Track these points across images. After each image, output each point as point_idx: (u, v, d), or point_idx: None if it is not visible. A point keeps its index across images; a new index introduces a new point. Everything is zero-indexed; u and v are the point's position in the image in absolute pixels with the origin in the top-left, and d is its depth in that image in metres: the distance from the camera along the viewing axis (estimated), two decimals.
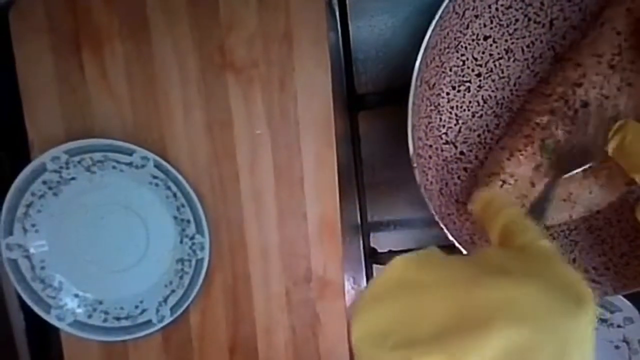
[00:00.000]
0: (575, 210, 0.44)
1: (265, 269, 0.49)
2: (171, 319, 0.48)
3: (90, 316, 0.49)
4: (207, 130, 0.47)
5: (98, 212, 0.48)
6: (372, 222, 0.55)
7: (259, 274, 0.49)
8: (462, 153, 0.46)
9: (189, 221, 0.47)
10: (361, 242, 0.52)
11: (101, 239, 0.48)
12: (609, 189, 0.43)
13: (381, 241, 0.54)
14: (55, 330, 0.49)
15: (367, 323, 0.24)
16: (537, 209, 0.37)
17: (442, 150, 0.45)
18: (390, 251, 0.51)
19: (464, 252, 0.41)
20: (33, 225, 0.47)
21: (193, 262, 0.48)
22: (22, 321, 0.50)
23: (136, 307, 0.49)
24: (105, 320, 0.49)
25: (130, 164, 0.46)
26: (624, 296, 0.47)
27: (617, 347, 0.49)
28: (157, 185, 0.47)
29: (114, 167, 0.46)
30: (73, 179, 0.46)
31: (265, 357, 0.50)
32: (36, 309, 0.47)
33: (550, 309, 0.21)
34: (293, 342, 0.50)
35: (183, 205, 0.47)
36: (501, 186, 0.42)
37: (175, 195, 0.47)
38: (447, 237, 0.44)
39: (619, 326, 0.48)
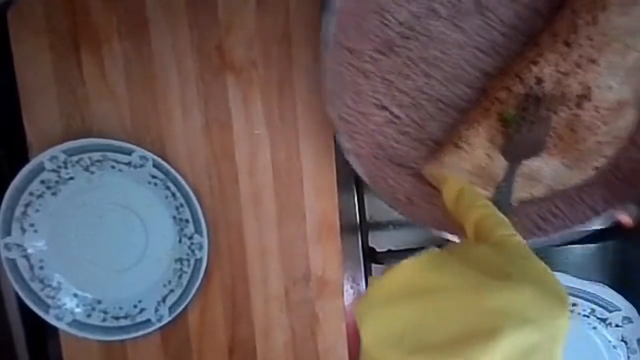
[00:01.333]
0: (537, 189, 0.44)
1: (264, 268, 0.49)
2: (170, 318, 0.48)
3: (89, 316, 0.49)
4: (206, 130, 0.47)
5: (97, 211, 0.48)
6: (371, 221, 0.55)
7: (258, 273, 0.49)
8: (396, 116, 0.45)
9: (187, 221, 0.47)
10: (360, 241, 0.52)
11: (100, 239, 0.48)
12: (576, 170, 0.43)
13: (380, 241, 0.54)
14: (54, 329, 0.49)
15: (380, 326, 0.24)
16: (502, 198, 0.38)
17: (374, 116, 0.45)
18: (389, 251, 0.51)
19: (402, 212, 0.41)
20: (31, 225, 0.47)
21: (192, 262, 0.48)
22: (20, 321, 0.50)
23: (135, 306, 0.49)
24: (104, 320, 0.49)
25: (129, 164, 0.46)
26: (624, 296, 0.47)
27: (615, 346, 0.50)
28: (156, 185, 0.47)
29: (112, 167, 0.46)
30: (71, 178, 0.46)
31: (264, 356, 0.50)
32: (35, 309, 0.47)
33: (543, 310, 0.23)
34: (292, 342, 0.50)
35: (182, 205, 0.47)
36: (456, 153, 0.43)
37: (174, 195, 0.47)
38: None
39: (617, 326, 0.48)
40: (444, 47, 0.44)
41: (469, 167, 0.43)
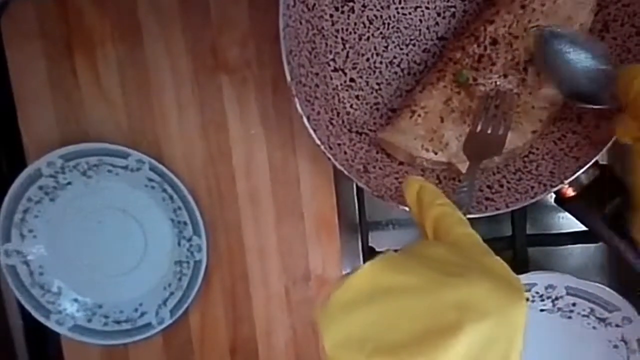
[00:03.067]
0: (505, 129, 0.44)
1: (263, 269, 0.49)
2: (171, 321, 0.48)
3: (90, 320, 0.49)
4: (201, 132, 0.47)
5: (95, 216, 0.48)
6: (370, 221, 0.55)
7: (258, 274, 0.49)
8: (352, 80, 0.45)
9: (185, 223, 0.47)
10: (360, 241, 0.51)
11: (99, 243, 0.48)
12: (515, 133, 0.43)
13: (379, 240, 0.54)
14: (55, 334, 0.49)
15: (342, 330, 0.24)
16: (463, 198, 0.38)
17: (330, 79, 0.44)
18: (388, 250, 0.51)
19: (359, 182, 0.41)
20: (30, 231, 0.47)
21: (191, 264, 0.48)
22: (21, 326, 0.50)
23: (136, 310, 0.49)
24: (105, 324, 0.49)
25: (125, 168, 0.46)
26: (623, 296, 0.47)
27: (615, 346, 0.49)
28: (153, 188, 0.47)
29: (109, 171, 0.46)
30: (69, 183, 0.46)
31: (266, 356, 0.50)
32: (36, 315, 0.47)
33: (500, 302, 0.24)
34: (293, 341, 0.50)
35: (179, 208, 0.47)
36: (410, 117, 0.43)
37: (171, 197, 0.47)
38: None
39: (617, 326, 0.48)
40: (403, 7, 0.44)
41: (422, 132, 0.43)
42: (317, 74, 0.43)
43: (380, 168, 0.44)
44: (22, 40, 0.45)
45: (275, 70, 0.47)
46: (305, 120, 0.39)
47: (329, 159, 0.40)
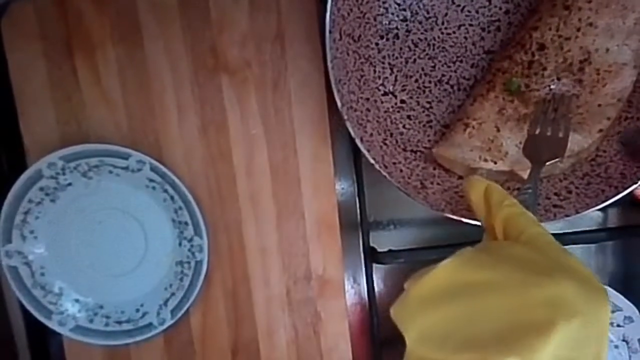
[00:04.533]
0: (566, 131, 0.43)
1: (264, 269, 0.49)
2: (172, 321, 0.48)
3: (91, 321, 0.49)
4: (202, 132, 0.47)
5: (96, 217, 0.48)
6: (371, 221, 0.55)
7: (259, 274, 0.49)
8: (402, 102, 0.45)
9: (186, 223, 0.47)
10: (361, 241, 0.51)
11: (100, 244, 0.48)
12: (580, 134, 0.43)
13: (381, 240, 0.54)
14: (57, 335, 0.49)
15: (423, 326, 0.24)
16: (528, 200, 0.38)
17: (381, 102, 0.45)
18: (390, 250, 0.51)
19: (416, 198, 0.41)
20: (31, 232, 0.47)
21: (192, 264, 0.48)
22: (23, 327, 0.50)
23: (137, 310, 0.49)
24: (106, 325, 0.49)
25: (126, 168, 0.46)
26: (624, 296, 0.46)
27: (616, 346, 0.49)
28: (153, 188, 0.47)
29: (110, 172, 0.46)
30: (70, 184, 0.46)
31: (268, 356, 0.50)
32: (37, 316, 0.47)
33: (588, 302, 0.23)
34: (295, 341, 0.50)
35: (180, 208, 0.47)
36: (464, 130, 0.43)
37: (172, 198, 0.47)
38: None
39: (618, 325, 0.48)
40: (446, 27, 0.44)
41: (478, 143, 0.43)
42: (367, 99, 0.44)
43: (438, 183, 0.44)
44: (23, 41, 0.45)
45: (275, 70, 0.47)
46: (358, 141, 0.40)
47: (385, 177, 0.40)
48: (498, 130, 0.43)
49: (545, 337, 0.22)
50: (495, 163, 0.43)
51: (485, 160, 0.43)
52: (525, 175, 0.42)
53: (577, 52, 0.41)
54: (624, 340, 0.49)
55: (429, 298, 0.25)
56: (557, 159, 0.41)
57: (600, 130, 0.42)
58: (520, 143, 0.42)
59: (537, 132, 0.42)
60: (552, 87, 0.42)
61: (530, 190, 0.38)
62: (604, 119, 0.42)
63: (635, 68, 0.41)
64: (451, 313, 0.24)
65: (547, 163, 0.41)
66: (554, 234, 0.50)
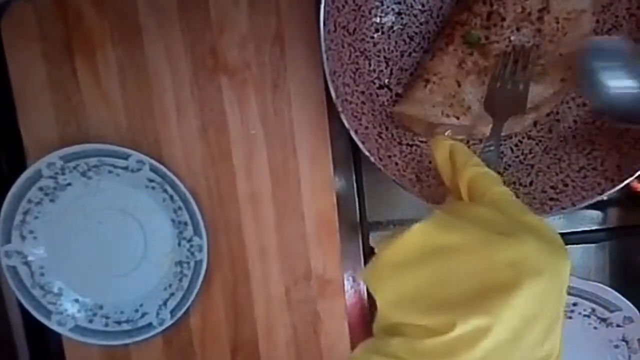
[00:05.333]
0: (526, 86, 0.43)
1: (264, 268, 0.49)
2: (172, 321, 0.48)
3: (91, 321, 0.49)
4: (201, 133, 0.48)
5: (95, 217, 0.48)
6: (371, 221, 0.55)
7: (258, 274, 0.49)
8: (397, 95, 0.45)
9: (186, 223, 0.47)
10: (360, 241, 0.51)
11: (99, 244, 0.48)
12: (542, 85, 0.43)
13: (381, 241, 0.54)
14: (56, 335, 0.49)
15: (395, 289, 0.25)
16: (490, 156, 0.38)
17: (377, 95, 0.45)
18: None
19: (412, 191, 0.41)
20: (31, 232, 0.47)
21: (192, 265, 0.48)
22: (22, 326, 0.50)
23: (136, 310, 0.49)
24: (106, 325, 0.49)
25: (126, 168, 0.46)
26: (624, 296, 0.46)
27: (616, 346, 0.49)
28: (153, 188, 0.47)
29: (109, 172, 0.46)
30: (69, 184, 0.47)
31: (267, 356, 0.50)
32: (37, 316, 0.48)
33: (549, 259, 0.24)
34: (294, 341, 0.50)
35: (180, 208, 0.47)
36: (425, 87, 0.42)
37: (172, 198, 0.47)
38: None
39: (618, 325, 0.48)
40: (442, 21, 0.44)
41: (440, 99, 0.43)
42: (362, 92, 0.44)
43: (433, 177, 0.44)
44: (22, 42, 0.45)
45: (274, 71, 0.47)
46: (353, 133, 0.40)
47: (380, 169, 0.40)
48: (459, 85, 0.43)
49: (512, 295, 0.23)
50: (458, 118, 0.43)
51: (448, 115, 0.43)
52: (486, 130, 0.42)
53: (535, 0, 0.41)
54: (623, 340, 0.49)
55: (400, 261, 0.25)
56: (517, 114, 0.41)
57: (563, 80, 0.42)
58: (482, 97, 0.42)
59: (498, 86, 0.42)
60: (512, 38, 0.42)
61: (492, 147, 0.38)
62: (566, 68, 0.42)
63: (594, 14, 0.41)
64: (421, 276, 0.25)
65: (509, 118, 0.41)
66: None
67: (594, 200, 0.40)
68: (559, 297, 0.25)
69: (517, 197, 0.42)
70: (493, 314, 0.22)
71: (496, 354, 0.23)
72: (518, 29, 0.42)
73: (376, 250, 0.27)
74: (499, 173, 0.32)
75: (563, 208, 0.41)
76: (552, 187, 0.43)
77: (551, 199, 0.42)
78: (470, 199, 0.31)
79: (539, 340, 0.24)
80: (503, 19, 0.41)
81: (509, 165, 0.45)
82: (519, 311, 0.23)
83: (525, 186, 0.44)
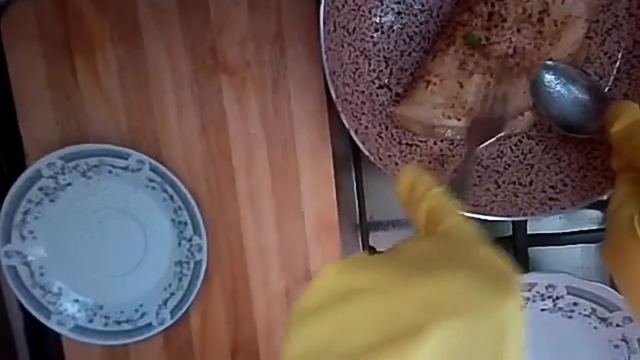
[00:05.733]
0: (507, 111, 0.44)
1: (264, 268, 0.49)
2: (171, 321, 0.48)
3: (91, 321, 0.49)
4: (201, 132, 0.47)
5: (95, 216, 0.48)
6: (371, 221, 0.55)
7: (258, 274, 0.49)
8: (397, 95, 0.45)
9: (186, 223, 0.47)
10: (360, 241, 0.51)
11: (99, 244, 0.48)
12: None
13: (380, 241, 0.54)
14: (56, 335, 0.49)
15: (304, 339, 0.22)
16: (458, 183, 0.37)
17: (377, 95, 0.45)
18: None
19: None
20: (31, 232, 0.47)
21: (191, 264, 0.48)
22: (22, 326, 0.50)
23: (136, 310, 0.49)
24: (106, 325, 0.49)
25: (126, 168, 0.46)
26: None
27: (616, 346, 0.49)
28: (153, 188, 0.47)
29: (109, 172, 0.46)
30: (69, 184, 0.47)
31: (267, 356, 0.50)
32: (37, 316, 0.48)
33: (482, 299, 0.21)
34: None
35: (180, 208, 0.47)
36: (426, 88, 0.43)
37: (172, 197, 0.47)
38: None
39: (618, 325, 0.48)
40: (441, 20, 0.44)
41: (441, 100, 0.43)
42: (362, 91, 0.44)
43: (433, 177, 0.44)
44: (22, 41, 0.45)
45: (274, 70, 0.47)
46: (353, 133, 0.40)
47: (380, 169, 0.40)
48: (461, 86, 0.43)
49: (417, 342, 0.20)
50: (459, 120, 0.43)
51: (449, 117, 0.43)
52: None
53: (536, 2, 0.41)
54: (623, 340, 0.49)
55: (309, 308, 0.22)
56: (496, 136, 0.42)
57: None
58: (483, 99, 0.43)
59: (479, 115, 0.42)
60: (512, 39, 0.42)
61: (464, 173, 0.38)
62: None
63: (587, 21, 0.42)
64: (329, 323, 0.22)
65: (483, 144, 0.42)
66: (555, 234, 0.51)
67: (593, 200, 0.40)
68: (500, 343, 0.21)
69: (517, 196, 0.43)
70: None
71: None
72: (519, 30, 0.42)
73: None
74: (465, 200, 0.31)
75: (563, 208, 0.41)
76: (551, 187, 0.43)
77: (551, 199, 0.42)
78: (427, 232, 0.28)
79: None
80: (504, 20, 0.41)
81: (509, 165, 0.45)
82: (429, 359, 0.20)
83: (525, 186, 0.44)
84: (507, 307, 0.22)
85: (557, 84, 0.42)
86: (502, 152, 0.45)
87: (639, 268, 0.30)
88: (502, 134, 0.43)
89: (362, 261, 0.24)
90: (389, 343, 0.20)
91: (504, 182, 0.44)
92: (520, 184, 0.44)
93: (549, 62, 0.41)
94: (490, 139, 0.42)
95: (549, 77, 0.42)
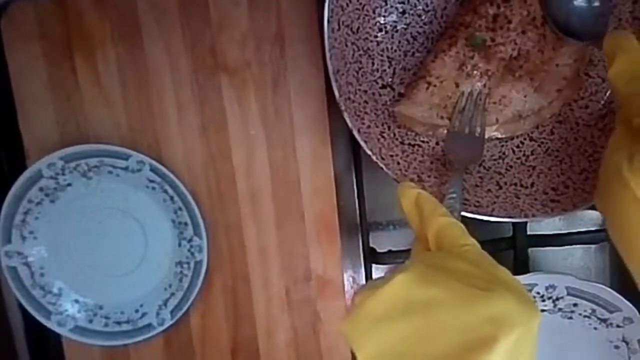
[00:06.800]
0: (503, 113, 0.44)
1: (264, 269, 0.49)
2: (172, 322, 0.48)
3: (91, 321, 0.49)
4: (201, 132, 0.47)
5: (95, 217, 0.48)
6: (371, 221, 0.55)
7: (258, 274, 0.49)
8: (400, 95, 0.45)
9: (186, 224, 0.47)
10: (360, 241, 0.51)
11: (99, 244, 0.48)
12: (541, 93, 0.43)
13: (380, 241, 0.54)
14: (56, 335, 0.49)
15: (376, 344, 0.24)
16: (453, 204, 0.38)
17: (379, 95, 0.45)
18: (389, 251, 0.51)
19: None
20: (31, 232, 0.47)
21: (192, 265, 0.48)
22: (22, 327, 0.50)
23: (136, 311, 0.49)
24: (106, 325, 0.49)
25: (126, 169, 0.46)
26: (624, 296, 0.46)
27: (616, 347, 0.49)
28: (153, 189, 0.47)
29: (110, 172, 0.46)
30: (69, 185, 0.46)
31: (267, 357, 0.50)
32: (37, 316, 0.47)
33: (523, 313, 0.24)
34: (294, 342, 0.50)
35: (180, 208, 0.47)
36: (427, 89, 0.43)
37: (172, 198, 0.47)
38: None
39: (618, 326, 0.48)
40: (445, 21, 0.44)
41: (437, 101, 0.43)
42: (365, 91, 0.44)
43: (435, 177, 0.44)
44: (22, 41, 0.45)
45: (274, 70, 0.47)
46: (355, 132, 0.40)
47: (382, 169, 0.41)
48: (457, 87, 0.43)
49: (489, 353, 0.23)
50: (448, 120, 0.43)
51: (442, 117, 0.43)
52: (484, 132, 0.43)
53: (540, 6, 0.41)
54: (623, 341, 0.49)
55: (381, 315, 0.25)
56: (475, 163, 0.43)
57: (559, 90, 0.43)
58: (480, 100, 0.43)
59: (456, 129, 0.43)
60: (517, 41, 0.42)
61: (455, 195, 0.39)
62: (561, 79, 0.43)
63: None
64: (403, 331, 0.24)
65: (470, 166, 0.42)
66: (555, 234, 0.51)
67: (594, 203, 0.40)
68: (531, 350, 0.25)
69: (519, 198, 0.43)
70: None
71: None
72: (524, 32, 0.42)
73: (355, 302, 0.26)
74: (463, 223, 0.32)
75: (564, 210, 0.41)
76: (553, 189, 0.43)
77: (552, 201, 0.42)
78: (438, 249, 0.31)
79: None
80: (509, 22, 0.42)
81: (511, 166, 0.45)
82: None
83: (527, 187, 0.44)
84: (537, 321, 0.25)
85: None
86: (504, 153, 0.46)
87: (626, 212, 0.31)
88: (527, 114, 0.43)
89: (425, 274, 0.26)
90: (464, 351, 0.23)
91: (505, 183, 0.44)
92: (521, 185, 0.44)
93: None
94: (471, 163, 0.43)
95: None
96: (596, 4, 0.39)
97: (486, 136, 0.44)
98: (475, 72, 0.43)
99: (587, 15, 0.40)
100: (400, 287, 0.25)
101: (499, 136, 0.45)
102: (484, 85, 0.43)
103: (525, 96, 0.43)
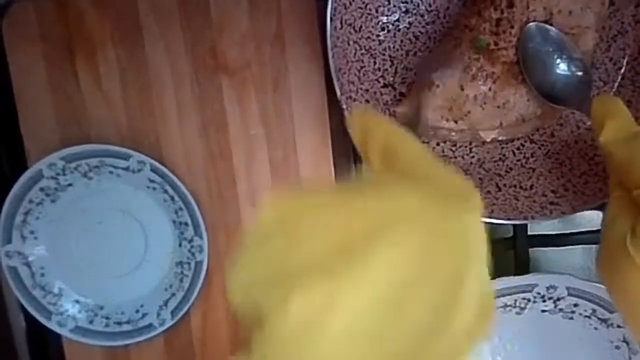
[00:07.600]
0: (507, 117, 0.44)
1: None
2: (172, 322, 0.48)
3: (91, 321, 0.49)
4: (202, 132, 0.47)
5: (96, 217, 0.48)
6: None
7: None
8: (402, 94, 0.45)
9: (187, 224, 0.47)
10: None
11: (100, 244, 0.48)
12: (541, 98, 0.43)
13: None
14: (57, 335, 0.49)
15: (245, 271, 0.20)
16: (412, 117, 0.38)
17: (381, 94, 0.45)
18: None
19: None
20: (32, 232, 0.47)
21: (192, 265, 0.48)
22: (22, 327, 0.50)
23: (137, 311, 0.49)
24: (106, 325, 0.49)
25: (126, 169, 0.46)
26: None
27: (617, 347, 0.49)
28: (154, 189, 0.47)
29: (110, 172, 0.46)
30: (70, 185, 0.47)
31: None
32: (37, 316, 0.47)
33: (438, 211, 0.20)
34: None
35: (181, 209, 0.47)
36: (429, 89, 0.43)
37: (172, 198, 0.47)
38: None
39: (619, 326, 0.48)
40: (448, 21, 0.44)
41: (440, 102, 0.43)
42: (367, 90, 0.44)
43: None
44: (23, 42, 0.45)
45: (274, 71, 0.47)
46: None
47: None
48: (462, 89, 0.43)
49: (369, 254, 0.18)
50: (456, 122, 0.43)
51: (447, 120, 0.43)
52: (486, 137, 0.43)
53: (541, 12, 0.41)
54: (624, 341, 0.49)
55: (255, 239, 0.20)
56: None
57: None
58: (485, 103, 0.43)
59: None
60: (518, 45, 0.42)
61: (414, 109, 0.39)
62: None
63: (597, 32, 0.42)
64: (274, 248, 0.20)
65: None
66: (555, 235, 0.51)
67: (594, 206, 0.41)
68: (457, 254, 0.20)
69: (518, 200, 0.43)
70: (335, 278, 0.18)
71: (363, 325, 0.18)
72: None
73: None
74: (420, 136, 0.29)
75: (563, 212, 0.41)
76: (552, 192, 0.43)
77: (551, 203, 0.42)
78: (384, 166, 0.25)
79: (440, 303, 0.19)
80: (512, 26, 0.41)
81: (510, 169, 0.45)
82: (381, 276, 0.18)
83: (526, 189, 0.44)
84: (467, 219, 0.20)
85: (544, 45, 0.41)
86: (504, 155, 0.45)
87: (632, 286, 0.30)
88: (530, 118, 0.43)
89: (314, 188, 0.22)
90: (339, 256, 0.18)
91: (505, 185, 0.44)
92: (521, 187, 0.44)
93: (541, 24, 0.41)
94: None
95: (538, 38, 0.41)
96: (579, 73, 0.40)
97: (487, 139, 0.44)
98: (480, 74, 0.42)
99: (570, 82, 0.41)
100: (272, 207, 0.21)
101: (500, 139, 0.45)
102: (489, 89, 0.43)
103: (528, 100, 0.43)
